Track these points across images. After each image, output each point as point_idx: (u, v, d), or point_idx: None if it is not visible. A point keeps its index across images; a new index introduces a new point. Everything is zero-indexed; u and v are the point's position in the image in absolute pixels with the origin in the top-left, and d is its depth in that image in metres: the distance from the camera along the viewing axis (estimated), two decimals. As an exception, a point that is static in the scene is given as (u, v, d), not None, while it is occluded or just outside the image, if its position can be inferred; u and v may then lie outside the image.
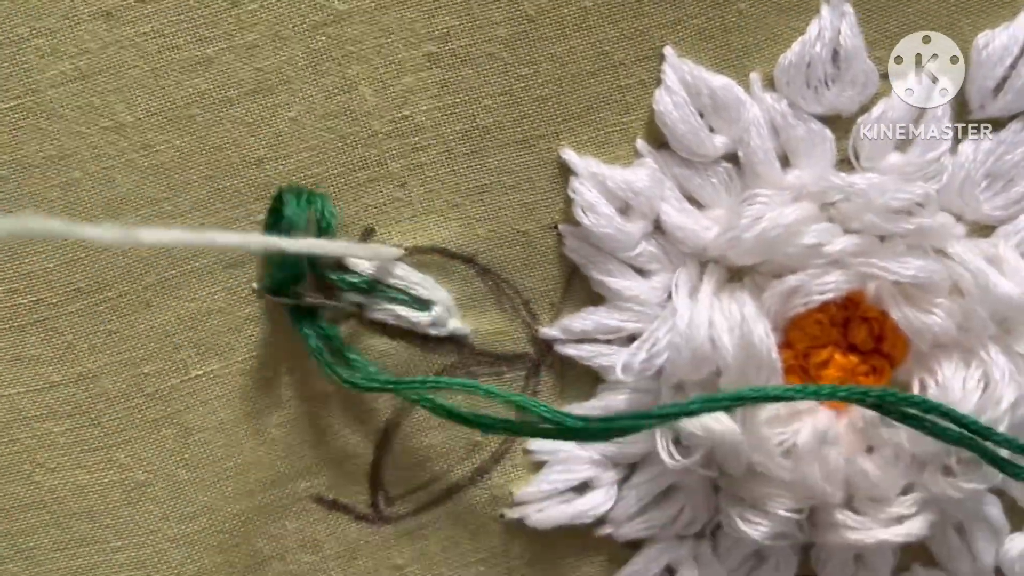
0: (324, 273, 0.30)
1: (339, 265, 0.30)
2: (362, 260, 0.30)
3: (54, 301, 0.30)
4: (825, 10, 0.30)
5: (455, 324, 0.31)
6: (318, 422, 0.32)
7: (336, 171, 0.30)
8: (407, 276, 0.31)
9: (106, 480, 0.31)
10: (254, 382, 0.31)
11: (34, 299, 0.30)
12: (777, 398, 0.28)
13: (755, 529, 0.31)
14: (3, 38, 0.29)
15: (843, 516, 0.31)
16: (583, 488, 0.32)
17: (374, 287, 0.31)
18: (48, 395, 0.31)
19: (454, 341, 0.31)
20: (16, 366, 0.30)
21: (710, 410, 0.28)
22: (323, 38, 0.29)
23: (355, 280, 0.30)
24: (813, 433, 0.30)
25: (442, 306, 0.31)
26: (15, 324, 0.30)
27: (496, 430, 0.28)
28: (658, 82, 0.30)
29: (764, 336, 0.29)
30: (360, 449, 0.32)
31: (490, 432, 0.30)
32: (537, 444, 0.32)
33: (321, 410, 0.32)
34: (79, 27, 0.29)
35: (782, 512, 0.30)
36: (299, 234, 0.28)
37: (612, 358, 0.31)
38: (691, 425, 0.30)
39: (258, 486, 0.32)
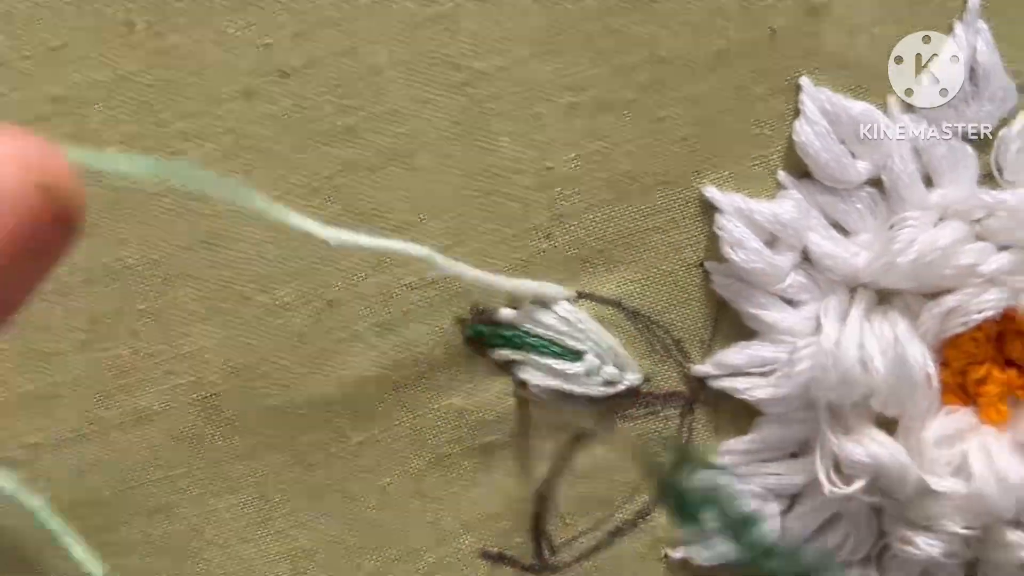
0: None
1: (491, 321, 0.31)
2: (511, 311, 0.30)
3: (212, 379, 0.30)
4: (959, 28, 0.30)
5: (609, 371, 0.31)
6: (480, 476, 0.32)
7: (482, 228, 0.30)
8: (565, 319, 0.31)
9: (273, 551, 0.31)
10: (413, 443, 0.31)
11: (192, 379, 0.30)
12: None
13: (928, 551, 0.31)
14: (147, 125, 0.29)
15: (1015, 536, 0.31)
16: (745, 522, 0.32)
17: (523, 340, 0.31)
18: (211, 471, 0.31)
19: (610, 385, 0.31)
20: (179, 446, 0.30)
21: None
22: (463, 98, 0.29)
23: (508, 334, 0.30)
24: (981, 450, 0.30)
25: (594, 354, 0.31)
26: (173, 405, 0.30)
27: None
28: (796, 113, 0.30)
29: (920, 356, 0.29)
30: (522, 499, 0.32)
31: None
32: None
33: (482, 463, 0.32)
34: (221, 108, 0.29)
35: (958, 530, 0.30)
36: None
37: (768, 390, 0.31)
38: (855, 452, 0.30)
39: (424, 545, 0.32)
